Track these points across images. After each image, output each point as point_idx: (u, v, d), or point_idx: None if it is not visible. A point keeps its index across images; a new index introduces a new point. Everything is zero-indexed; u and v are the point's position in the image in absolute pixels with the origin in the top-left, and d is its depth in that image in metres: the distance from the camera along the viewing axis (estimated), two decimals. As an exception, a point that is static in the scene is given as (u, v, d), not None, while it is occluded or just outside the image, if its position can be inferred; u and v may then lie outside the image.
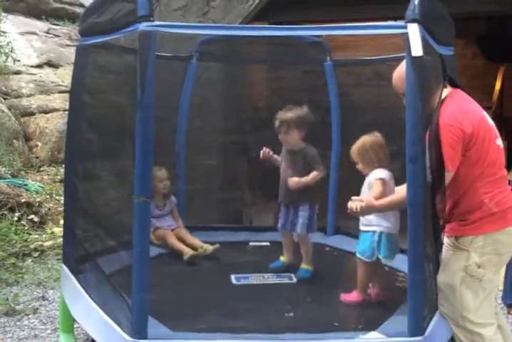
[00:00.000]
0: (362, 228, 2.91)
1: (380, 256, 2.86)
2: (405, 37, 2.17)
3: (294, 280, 3.17)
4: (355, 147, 2.91)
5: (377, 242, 2.83)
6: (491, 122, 2.59)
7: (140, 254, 2.20)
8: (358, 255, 2.90)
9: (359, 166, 2.89)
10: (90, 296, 2.64)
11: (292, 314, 2.73)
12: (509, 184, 2.66)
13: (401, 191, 2.60)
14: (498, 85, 7.71)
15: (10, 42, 7.01)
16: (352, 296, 2.89)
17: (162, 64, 3.38)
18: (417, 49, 2.18)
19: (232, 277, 3.18)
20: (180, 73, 4.00)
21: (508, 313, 3.83)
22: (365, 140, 2.89)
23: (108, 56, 2.90)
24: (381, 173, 2.82)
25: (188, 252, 3.60)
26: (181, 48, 4.04)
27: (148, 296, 2.21)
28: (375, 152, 2.84)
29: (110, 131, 3.07)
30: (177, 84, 4.02)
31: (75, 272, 2.87)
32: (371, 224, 2.85)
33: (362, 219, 2.89)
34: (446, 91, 2.55)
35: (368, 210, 2.73)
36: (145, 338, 2.22)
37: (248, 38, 3.01)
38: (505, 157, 2.62)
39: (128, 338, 2.23)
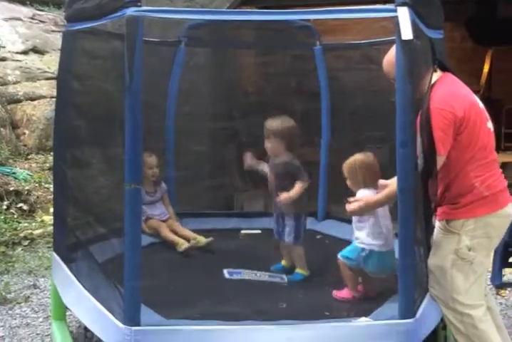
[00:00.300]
0: (354, 241, 2.89)
1: (366, 270, 2.85)
2: (395, 21, 2.15)
3: (285, 280, 3.14)
4: (346, 164, 2.90)
5: (364, 258, 2.82)
6: (482, 106, 2.59)
7: (132, 242, 2.19)
8: (340, 257, 2.88)
9: (348, 182, 2.90)
10: (82, 283, 2.63)
11: (284, 305, 2.72)
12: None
13: (392, 183, 2.60)
14: (486, 68, 7.72)
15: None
16: (344, 293, 2.89)
17: (150, 49, 3.36)
18: (407, 33, 2.16)
19: (225, 271, 3.15)
20: (169, 58, 3.95)
21: (497, 294, 3.88)
22: (356, 158, 2.88)
23: (95, 42, 2.86)
24: (365, 193, 2.82)
25: (183, 244, 3.59)
26: (169, 34, 3.99)
27: (140, 284, 2.20)
28: (363, 172, 2.83)
29: (99, 118, 3.04)
30: (166, 69, 3.98)
31: (67, 260, 2.86)
32: (363, 243, 2.84)
33: (355, 236, 2.88)
34: (436, 75, 2.54)
35: (367, 208, 2.73)
36: (138, 325, 2.21)
37: (236, 22, 2.98)
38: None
39: (121, 325, 2.23)
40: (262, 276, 3.14)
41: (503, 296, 3.84)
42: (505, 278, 4.05)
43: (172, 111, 4.07)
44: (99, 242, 2.85)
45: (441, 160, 2.42)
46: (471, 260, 2.51)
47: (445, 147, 2.41)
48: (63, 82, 3.00)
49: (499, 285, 3.94)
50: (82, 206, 2.98)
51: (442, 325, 2.74)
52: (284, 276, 3.16)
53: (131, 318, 2.22)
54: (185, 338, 2.25)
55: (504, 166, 5.25)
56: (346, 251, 2.89)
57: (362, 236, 2.83)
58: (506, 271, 4.10)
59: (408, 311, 2.29)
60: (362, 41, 3.83)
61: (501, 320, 2.80)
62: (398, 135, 2.21)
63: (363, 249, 2.82)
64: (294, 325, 2.33)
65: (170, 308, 2.54)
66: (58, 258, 2.93)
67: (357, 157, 2.90)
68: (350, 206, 2.73)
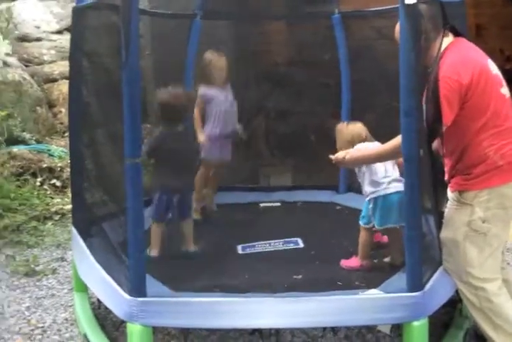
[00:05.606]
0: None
1: (374, 223, 2.86)
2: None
3: (301, 245, 3.15)
4: (341, 134, 3.00)
5: (372, 209, 2.84)
6: (495, 71, 2.47)
7: (134, 215, 2.22)
8: (360, 221, 2.92)
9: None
10: (94, 256, 2.69)
11: (300, 276, 2.72)
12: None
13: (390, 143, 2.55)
14: (529, 34, 7.35)
15: (10, 7, 6.92)
16: (351, 262, 2.88)
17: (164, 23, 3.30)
18: (410, -4, 2.09)
19: (239, 247, 3.16)
20: (185, 32, 3.92)
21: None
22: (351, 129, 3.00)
23: (101, 17, 2.86)
24: (364, 145, 2.87)
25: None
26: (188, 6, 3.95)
27: (144, 256, 2.25)
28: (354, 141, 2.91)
29: (110, 95, 3.05)
30: (184, 43, 3.94)
31: (83, 234, 2.93)
32: (367, 194, 2.87)
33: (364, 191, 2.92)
34: (448, 40, 2.44)
35: (353, 159, 2.75)
36: (144, 296, 2.26)
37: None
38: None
39: (127, 296, 2.28)
40: (276, 245, 3.14)
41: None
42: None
43: (191, 86, 4.02)
44: (111, 218, 2.89)
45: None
46: (485, 232, 2.43)
47: (449, 118, 2.32)
48: (74, 60, 3.03)
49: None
50: (95, 184, 3.03)
51: (458, 298, 2.69)
52: (298, 240, 3.13)
53: (137, 290, 2.27)
54: (190, 309, 2.29)
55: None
56: (362, 212, 2.92)
57: (365, 188, 2.86)
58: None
59: (416, 283, 2.26)
60: (383, 8, 3.69)
61: (519, 293, 2.72)
62: (402, 103, 2.15)
63: (369, 201, 2.84)
64: (299, 298, 2.32)
65: (178, 281, 2.58)
66: (75, 231, 3.00)
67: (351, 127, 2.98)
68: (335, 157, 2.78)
